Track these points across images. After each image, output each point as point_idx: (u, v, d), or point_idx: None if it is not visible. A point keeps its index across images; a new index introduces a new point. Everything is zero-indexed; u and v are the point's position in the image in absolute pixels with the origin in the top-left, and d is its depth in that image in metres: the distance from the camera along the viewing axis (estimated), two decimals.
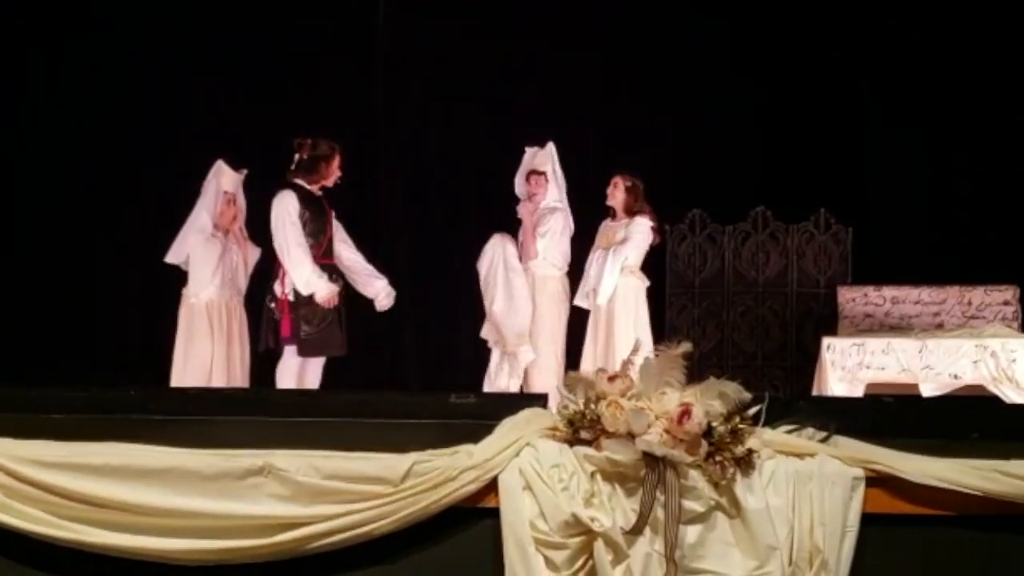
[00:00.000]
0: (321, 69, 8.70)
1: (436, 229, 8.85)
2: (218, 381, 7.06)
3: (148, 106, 8.58)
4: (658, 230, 7.60)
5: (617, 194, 7.49)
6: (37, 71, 8.61)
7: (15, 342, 8.01)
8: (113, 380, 7.48)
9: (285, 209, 6.69)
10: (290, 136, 6.94)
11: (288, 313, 6.68)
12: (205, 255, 7.20)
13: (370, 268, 7.14)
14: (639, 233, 7.40)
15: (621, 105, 8.67)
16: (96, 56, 8.60)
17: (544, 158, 7.46)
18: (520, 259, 7.33)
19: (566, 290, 7.41)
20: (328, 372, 6.96)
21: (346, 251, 7.04)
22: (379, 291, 7.12)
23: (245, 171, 7.41)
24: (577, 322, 7.49)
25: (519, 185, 7.55)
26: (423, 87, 8.92)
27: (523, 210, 7.42)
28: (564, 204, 7.46)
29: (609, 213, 7.59)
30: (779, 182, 8.71)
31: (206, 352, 7.13)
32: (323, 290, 6.67)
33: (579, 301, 7.47)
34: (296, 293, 6.68)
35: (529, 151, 7.56)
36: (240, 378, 7.22)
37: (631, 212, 7.45)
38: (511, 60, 8.75)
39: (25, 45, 8.51)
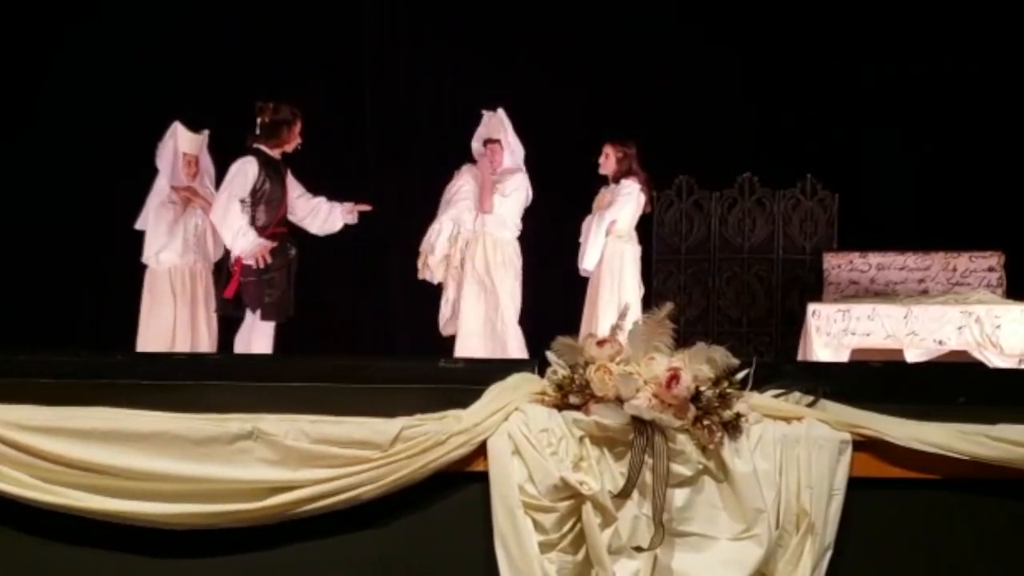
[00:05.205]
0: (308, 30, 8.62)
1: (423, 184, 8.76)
2: (181, 346, 6.98)
3: (126, 69, 8.49)
4: (649, 195, 7.57)
5: (608, 163, 7.49)
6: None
7: None
8: (83, 346, 7.44)
9: (243, 172, 6.54)
10: (256, 98, 6.78)
11: (238, 276, 6.52)
12: (157, 219, 7.10)
13: (323, 200, 6.96)
14: (623, 195, 7.38)
15: (608, 70, 8.62)
16: (71, 24, 8.50)
17: (496, 125, 7.37)
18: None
19: (518, 255, 7.30)
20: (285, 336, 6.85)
21: (303, 204, 6.87)
22: (343, 213, 6.99)
23: (207, 132, 7.26)
24: (577, 289, 7.49)
25: (476, 151, 7.46)
26: (410, 43, 8.86)
27: (482, 167, 7.33)
28: (522, 169, 7.39)
29: (604, 181, 7.56)
30: (766, 148, 8.71)
31: (168, 317, 7.05)
32: (250, 245, 6.46)
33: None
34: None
35: (485, 116, 7.46)
36: (206, 344, 7.13)
37: (621, 178, 7.43)
38: (501, 22, 8.69)
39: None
